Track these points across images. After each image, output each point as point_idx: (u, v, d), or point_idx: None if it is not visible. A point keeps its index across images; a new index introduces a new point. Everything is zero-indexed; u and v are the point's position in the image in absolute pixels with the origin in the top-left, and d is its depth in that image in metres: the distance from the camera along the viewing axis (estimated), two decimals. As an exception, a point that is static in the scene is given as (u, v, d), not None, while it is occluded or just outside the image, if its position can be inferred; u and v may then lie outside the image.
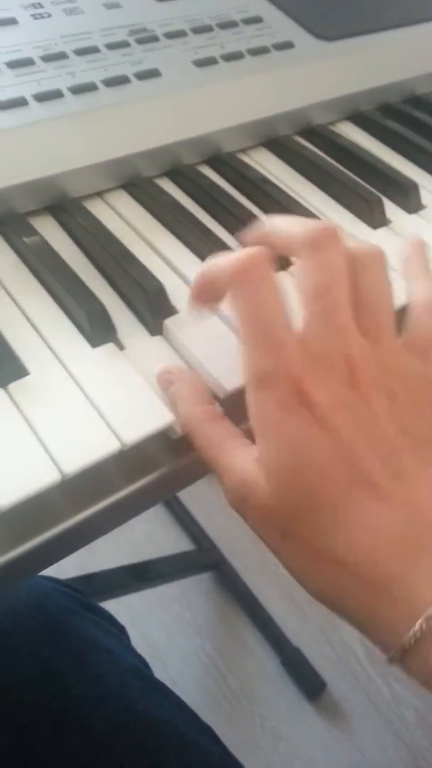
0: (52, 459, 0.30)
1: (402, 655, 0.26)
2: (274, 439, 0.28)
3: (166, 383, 0.33)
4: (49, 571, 0.35)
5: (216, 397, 0.34)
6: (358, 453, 0.27)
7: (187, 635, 1.15)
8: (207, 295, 0.33)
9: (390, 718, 1.08)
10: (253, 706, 1.08)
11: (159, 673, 0.55)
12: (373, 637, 0.28)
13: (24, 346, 0.35)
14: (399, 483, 0.27)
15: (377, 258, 0.31)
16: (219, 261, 0.31)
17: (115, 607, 0.62)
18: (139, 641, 0.60)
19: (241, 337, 0.29)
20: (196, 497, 1.30)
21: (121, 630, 0.59)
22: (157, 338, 0.37)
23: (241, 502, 0.29)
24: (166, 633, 1.15)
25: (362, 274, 0.31)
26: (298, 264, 0.31)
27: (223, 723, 0.54)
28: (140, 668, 0.53)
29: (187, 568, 1.19)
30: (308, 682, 1.10)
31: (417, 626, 0.25)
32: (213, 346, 0.36)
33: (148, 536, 1.26)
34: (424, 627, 0.25)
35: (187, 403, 0.32)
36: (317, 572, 0.28)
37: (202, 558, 1.22)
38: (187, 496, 1.30)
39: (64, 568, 0.59)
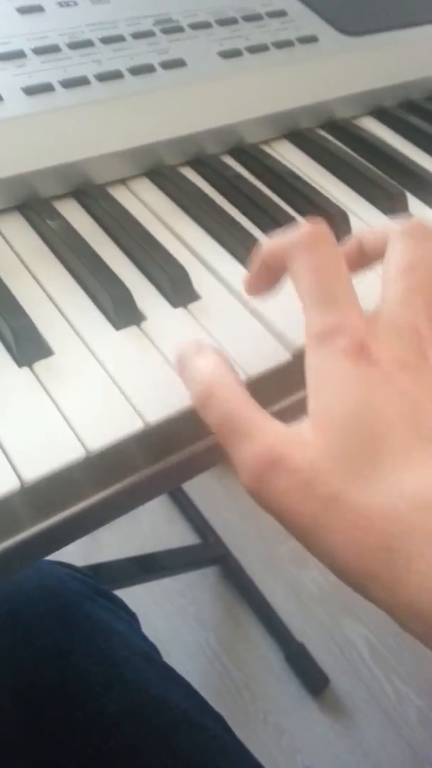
0: (76, 436, 0.30)
1: None
2: (334, 388, 0.27)
3: (186, 357, 0.31)
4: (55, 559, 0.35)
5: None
6: (427, 410, 0.26)
7: (191, 628, 1.16)
8: (265, 273, 0.33)
9: (392, 715, 1.09)
10: (256, 700, 1.09)
11: (162, 665, 0.55)
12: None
13: (48, 326, 0.35)
14: None
15: None
16: (277, 237, 0.31)
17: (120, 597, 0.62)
18: (142, 631, 0.61)
19: (304, 294, 0.29)
20: (203, 491, 1.31)
21: (132, 616, 0.59)
22: (180, 310, 0.37)
23: (273, 467, 0.26)
24: (170, 626, 1.15)
25: None
26: (386, 254, 0.31)
27: (225, 716, 0.54)
28: (151, 654, 0.54)
29: (193, 561, 1.19)
30: (311, 677, 1.10)
31: None
32: (235, 331, 0.36)
33: (153, 529, 1.26)
34: None
35: (215, 367, 0.30)
36: (361, 542, 0.25)
37: (208, 552, 1.23)
38: (194, 489, 1.31)
39: (69, 559, 0.60)
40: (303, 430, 0.27)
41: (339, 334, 0.27)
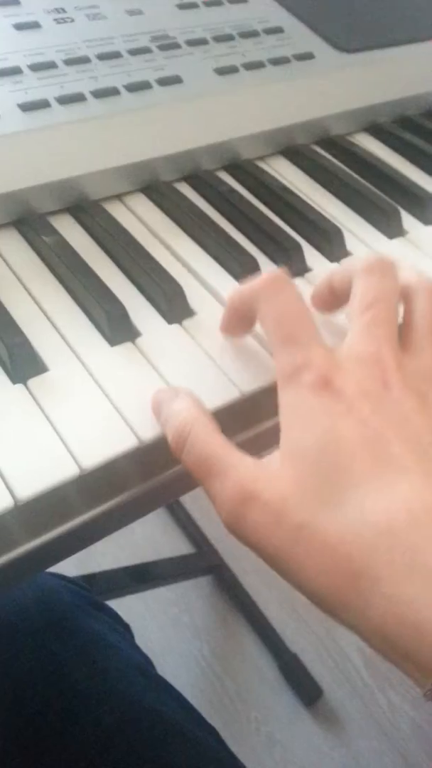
0: (71, 453, 0.30)
1: None
2: (301, 422, 0.28)
3: (162, 401, 0.32)
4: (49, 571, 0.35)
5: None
6: (386, 437, 0.27)
7: (184, 638, 1.16)
8: (238, 319, 0.35)
9: (386, 726, 1.08)
10: (249, 710, 1.09)
11: (155, 675, 0.55)
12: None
13: (43, 342, 0.36)
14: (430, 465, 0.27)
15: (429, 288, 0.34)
16: (244, 285, 0.33)
17: (114, 608, 0.62)
18: (136, 643, 0.61)
19: (271, 340, 0.31)
20: (198, 501, 1.31)
21: (126, 628, 0.59)
22: (175, 326, 0.38)
23: (247, 503, 0.27)
24: (164, 635, 1.15)
25: (414, 301, 0.33)
26: (352, 291, 0.33)
27: (218, 726, 0.54)
28: (145, 666, 0.54)
29: (187, 571, 1.19)
30: (305, 688, 1.10)
31: None
32: (230, 347, 0.37)
33: (148, 538, 1.26)
34: None
35: (189, 410, 0.31)
36: (329, 569, 0.26)
37: (202, 561, 1.22)
38: (189, 499, 1.31)
39: (63, 568, 0.60)
40: (274, 463, 0.29)
41: (303, 371, 0.29)
